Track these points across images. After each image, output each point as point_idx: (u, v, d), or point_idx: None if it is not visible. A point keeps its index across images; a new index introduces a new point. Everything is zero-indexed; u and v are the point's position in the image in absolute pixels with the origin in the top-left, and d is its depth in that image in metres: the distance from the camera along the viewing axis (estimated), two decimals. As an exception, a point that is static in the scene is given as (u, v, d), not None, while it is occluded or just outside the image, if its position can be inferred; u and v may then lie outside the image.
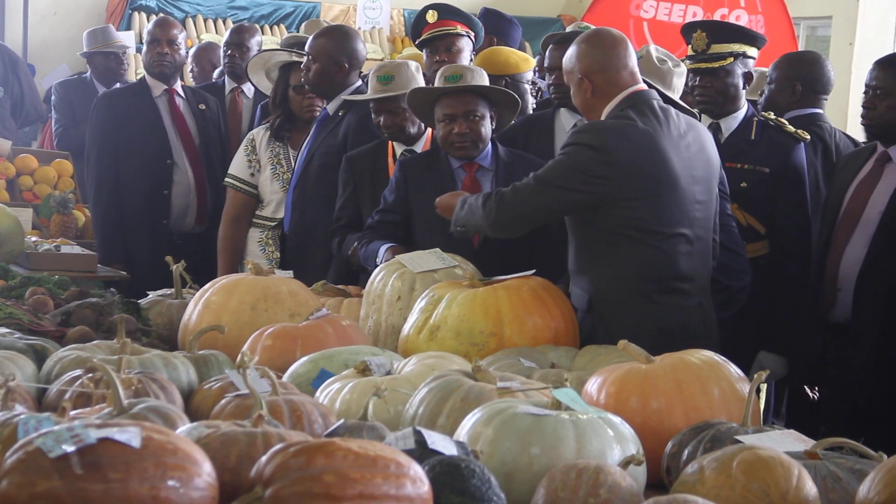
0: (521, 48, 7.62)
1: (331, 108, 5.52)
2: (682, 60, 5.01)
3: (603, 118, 3.97)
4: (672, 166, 3.91)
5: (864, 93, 4.65)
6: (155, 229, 6.34)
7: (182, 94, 6.56)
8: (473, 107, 4.64)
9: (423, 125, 5.08)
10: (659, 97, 4.07)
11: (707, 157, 4.08)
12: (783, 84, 5.63)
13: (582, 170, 3.86)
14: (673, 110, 4.04)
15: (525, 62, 5.80)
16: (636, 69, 4.02)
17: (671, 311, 3.91)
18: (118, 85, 8.21)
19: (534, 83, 6.86)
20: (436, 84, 4.78)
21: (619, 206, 3.86)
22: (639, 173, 3.85)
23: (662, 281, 3.92)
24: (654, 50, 4.62)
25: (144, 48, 6.62)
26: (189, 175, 6.44)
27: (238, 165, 5.96)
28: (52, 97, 8.34)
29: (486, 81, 4.76)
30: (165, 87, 6.48)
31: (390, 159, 5.08)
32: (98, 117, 6.47)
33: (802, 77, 5.63)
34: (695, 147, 4.03)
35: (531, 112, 5.67)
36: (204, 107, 6.59)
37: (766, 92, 5.70)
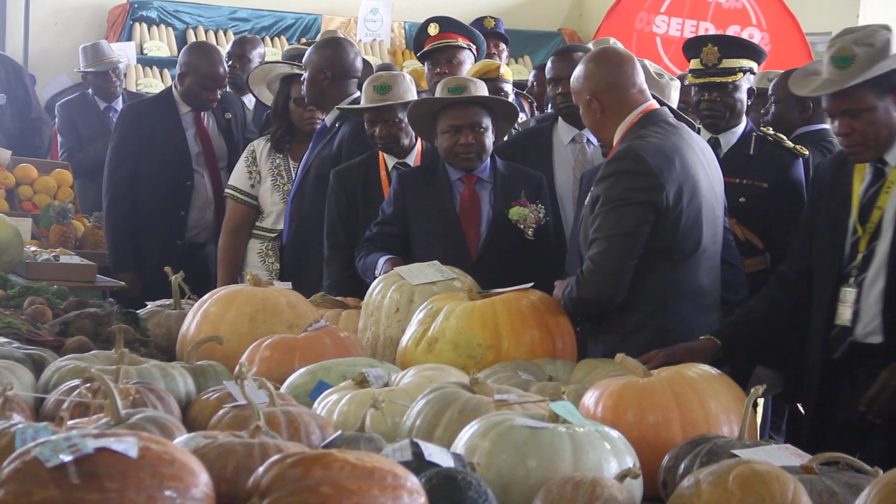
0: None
1: (328, 119, 5.53)
2: (686, 74, 5.02)
3: (618, 137, 3.89)
4: (701, 182, 3.87)
5: None
6: (168, 246, 6.24)
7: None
8: (478, 118, 4.65)
9: (414, 137, 5.07)
10: (671, 114, 4.05)
11: (719, 172, 4.06)
12: (792, 101, 5.58)
13: (634, 202, 3.74)
14: (685, 126, 4.01)
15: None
16: (645, 86, 3.97)
17: (700, 329, 3.86)
18: (119, 99, 8.18)
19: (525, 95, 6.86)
20: (437, 95, 4.79)
21: (660, 227, 3.77)
22: (680, 191, 3.79)
23: (691, 298, 3.87)
24: (650, 64, 4.63)
25: (185, 76, 6.26)
26: (209, 193, 6.35)
27: (238, 176, 5.95)
28: (56, 119, 8.25)
29: (486, 93, 4.77)
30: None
31: (382, 172, 5.07)
32: (121, 131, 6.36)
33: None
34: (712, 162, 4.02)
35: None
36: (230, 115, 6.47)
37: (772, 109, 5.66)
